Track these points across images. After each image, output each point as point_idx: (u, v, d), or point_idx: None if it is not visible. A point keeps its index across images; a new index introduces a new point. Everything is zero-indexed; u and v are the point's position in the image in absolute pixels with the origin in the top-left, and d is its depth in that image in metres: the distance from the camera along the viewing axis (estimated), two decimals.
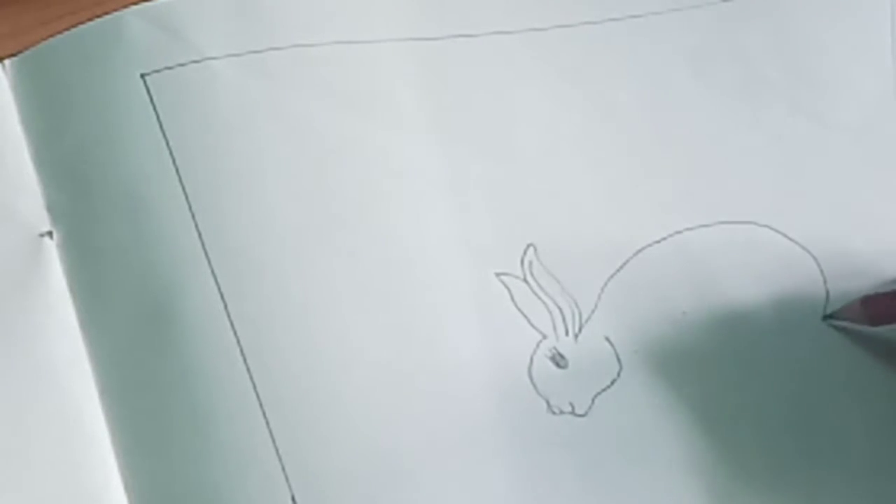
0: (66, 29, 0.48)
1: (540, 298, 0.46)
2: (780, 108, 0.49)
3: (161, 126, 0.46)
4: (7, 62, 0.48)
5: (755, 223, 0.47)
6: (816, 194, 0.48)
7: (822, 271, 0.47)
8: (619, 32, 0.50)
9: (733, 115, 0.49)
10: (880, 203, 0.48)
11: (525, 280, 0.46)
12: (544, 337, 0.45)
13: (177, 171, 0.46)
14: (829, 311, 0.46)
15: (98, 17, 0.48)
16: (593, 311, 0.46)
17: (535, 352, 0.45)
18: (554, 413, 0.44)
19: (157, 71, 0.47)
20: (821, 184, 0.48)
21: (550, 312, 0.45)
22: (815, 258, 0.47)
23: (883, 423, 0.44)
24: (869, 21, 0.50)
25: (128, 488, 0.43)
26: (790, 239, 0.47)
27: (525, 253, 0.46)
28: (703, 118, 0.49)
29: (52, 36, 0.48)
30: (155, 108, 0.47)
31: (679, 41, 0.50)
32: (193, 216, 0.45)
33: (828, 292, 0.46)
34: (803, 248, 0.47)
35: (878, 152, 0.49)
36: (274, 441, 0.43)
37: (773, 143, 0.49)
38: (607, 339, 0.45)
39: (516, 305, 0.45)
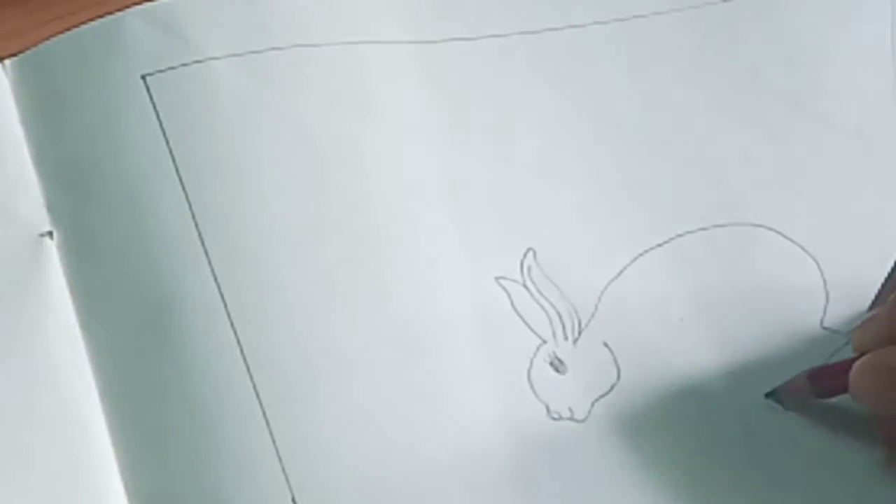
0: (67, 29, 0.48)
1: (539, 303, 0.46)
2: (780, 108, 0.49)
3: (161, 126, 0.46)
4: (7, 62, 0.48)
5: (755, 225, 0.47)
6: (816, 195, 0.48)
7: (821, 273, 0.47)
8: (620, 33, 0.50)
9: (733, 115, 0.49)
10: (880, 203, 0.48)
11: (524, 285, 0.46)
12: (543, 342, 0.45)
13: (177, 171, 0.46)
14: (827, 314, 0.46)
15: (98, 17, 0.48)
16: (592, 316, 0.46)
17: (534, 356, 0.45)
18: (553, 418, 0.44)
19: (158, 71, 0.47)
20: (821, 184, 0.48)
21: (549, 317, 0.45)
22: (814, 260, 0.47)
23: None
24: (869, 21, 0.50)
25: (128, 488, 0.43)
26: (790, 240, 0.47)
27: (524, 257, 0.46)
28: (703, 119, 0.49)
29: (52, 36, 0.48)
30: (155, 109, 0.47)
31: (679, 41, 0.50)
32: (193, 216, 0.45)
33: (827, 294, 0.46)
34: (803, 249, 0.47)
35: (878, 152, 0.49)
36: (274, 441, 0.43)
37: (773, 144, 0.49)
38: (606, 344, 0.45)
39: (515, 310, 0.45)
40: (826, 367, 0.44)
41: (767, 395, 0.44)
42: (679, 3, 0.50)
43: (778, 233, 0.47)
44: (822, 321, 0.46)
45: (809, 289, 0.47)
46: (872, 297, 0.45)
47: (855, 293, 0.46)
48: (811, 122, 0.49)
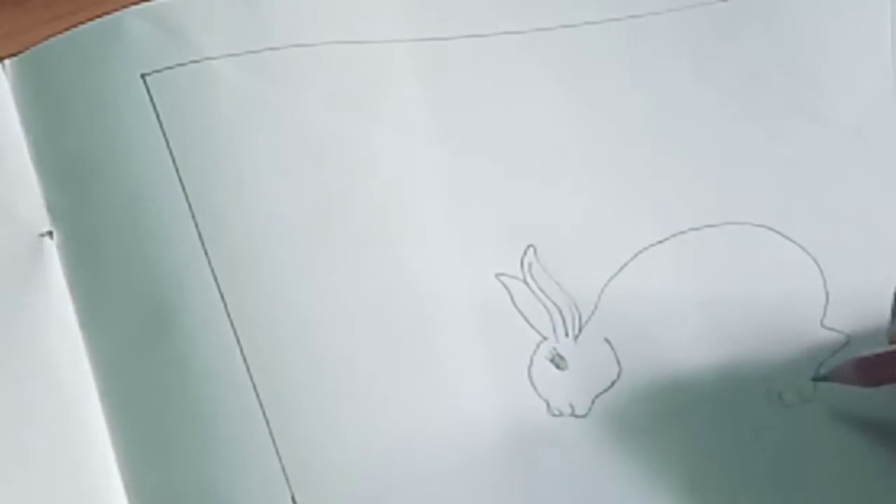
0: (66, 29, 0.48)
1: (539, 300, 0.46)
2: (780, 108, 0.49)
3: (161, 126, 0.46)
4: (7, 62, 0.48)
5: (755, 224, 0.47)
6: (816, 195, 0.48)
7: (821, 272, 0.47)
8: (620, 32, 0.50)
9: (733, 115, 0.49)
10: (880, 203, 0.48)
11: (525, 281, 0.46)
12: (544, 338, 0.45)
13: (177, 171, 0.46)
14: (827, 313, 0.46)
15: (98, 17, 0.48)
16: (593, 313, 0.46)
17: (534, 353, 0.45)
18: (554, 414, 0.44)
19: (156, 71, 0.47)
20: (820, 184, 0.48)
21: (550, 314, 0.45)
22: (814, 259, 0.47)
23: None
24: (869, 21, 0.50)
25: (128, 488, 0.43)
26: (790, 240, 0.47)
27: (525, 254, 0.46)
28: (703, 118, 0.49)
29: (52, 36, 0.48)
30: (155, 108, 0.47)
31: (679, 41, 0.50)
32: (193, 216, 0.45)
33: (827, 294, 0.46)
34: (803, 248, 0.47)
35: (878, 152, 0.49)
36: (274, 441, 0.43)
37: (772, 144, 0.49)
38: (607, 340, 0.45)
39: (516, 306, 0.45)
40: (875, 356, 0.43)
41: (814, 378, 0.44)
42: (679, 2, 0.50)
43: (778, 233, 0.47)
44: (822, 321, 0.46)
45: (809, 288, 0.46)
46: (872, 296, 0.45)
47: (855, 293, 0.46)
48: (811, 122, 0.49)
